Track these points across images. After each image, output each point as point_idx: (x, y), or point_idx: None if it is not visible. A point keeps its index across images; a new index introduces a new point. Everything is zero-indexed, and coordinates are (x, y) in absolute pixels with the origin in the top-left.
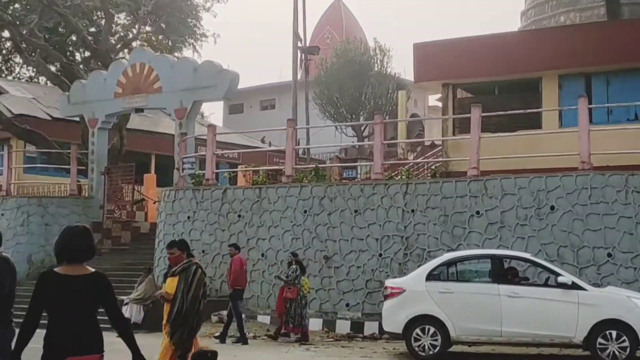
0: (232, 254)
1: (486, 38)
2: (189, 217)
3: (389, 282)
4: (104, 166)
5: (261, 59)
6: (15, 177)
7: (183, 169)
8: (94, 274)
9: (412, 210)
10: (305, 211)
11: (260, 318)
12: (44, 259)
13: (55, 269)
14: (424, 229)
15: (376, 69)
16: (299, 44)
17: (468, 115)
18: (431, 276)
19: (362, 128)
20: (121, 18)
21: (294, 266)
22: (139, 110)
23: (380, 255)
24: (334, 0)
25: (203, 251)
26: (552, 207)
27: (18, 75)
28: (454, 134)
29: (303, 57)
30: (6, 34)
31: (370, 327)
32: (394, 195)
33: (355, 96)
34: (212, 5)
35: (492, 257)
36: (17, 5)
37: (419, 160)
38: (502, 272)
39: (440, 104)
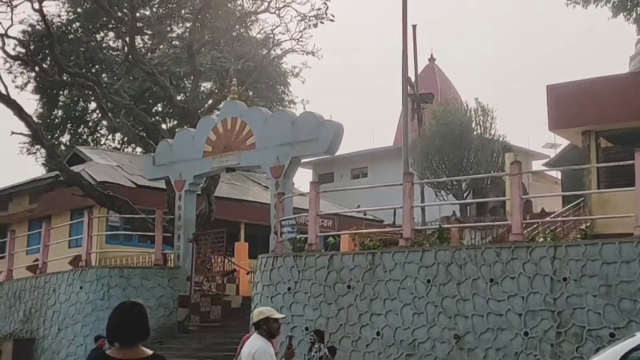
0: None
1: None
2: (289, 289)
3: None
4: (192, 233)
5: (352, 126)
6: (96, 246)
7: (282, 233)
8: (152, 358)
9: (564, 279)
10: (428, 280)
11: None
12: None
13: (107, 351)
14: (581, 302)
15: (478, 131)
16: (410, 91)
17: (628, 162)
18: None
19: (465, 195)
20: (207, 87)
21: (317, 346)
22: (230, 169)
23: (526, 334)
24: (427, 64)
25: (306, 328)
26: None
27: (104, 145)
28: (598, 189)
29: (415, 106)
30: (93, 105)
31: None
32: (539, 261)
33: (455, 161)
34: (301, 71)
35: None
36: (103, 75)
37: (567, 218)
38: None
39: (545, 169)
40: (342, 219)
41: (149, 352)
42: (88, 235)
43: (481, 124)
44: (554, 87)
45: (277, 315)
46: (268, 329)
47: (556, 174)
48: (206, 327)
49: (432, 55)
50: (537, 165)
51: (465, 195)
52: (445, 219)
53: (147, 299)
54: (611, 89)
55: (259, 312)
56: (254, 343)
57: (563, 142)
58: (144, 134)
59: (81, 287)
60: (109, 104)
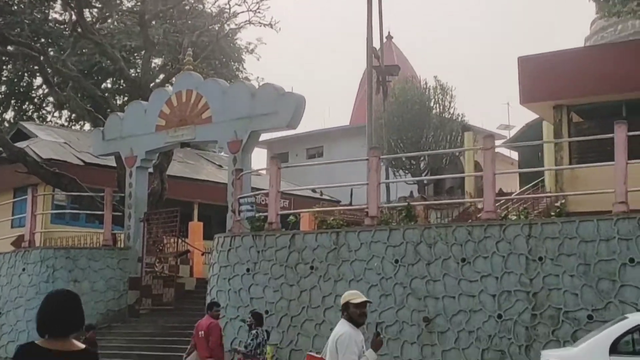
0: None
1: (614, 46)
2: (248, 270)
3: (550, 355)
4: (144, 212)
5: (307, 105)
6: (41, 226)
7: (240, 212)
8: (83, 352)
9: (540, 259)
10: (396, 261)
11: None
12: None
13: (36, 342)
14: (558, 282)
15: (437, 110)
16: (376, 63)
17: (608, 135)
18: (617, 349)
19: (423, 175)
20: (158, 63)
21: (254, 331)
22: (184, 144)
23: (500, 316)
24: (384, 42)
25: (267, 312)
26: None
27: (50, 122)
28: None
29: (381, 79)
30: (38, 80)
31: None
32: (513, 239)
33: (413, 140)
34: (256, 48)
35: None
36: (50, 49)
37: (538, 195)
38: None
39: (503, 150)
40: (298, 199)
41: (81, 345)
42: (32, 214)
43: (440, 102)
44: (525, 59)
45: (358, 300)
46: (348, 314)
47: (510, 154)
48: (158, 310)
49: (389, 32)
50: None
51: (423, 174)
52: (404, 199)
53: (95, 281)
54: (583, 62)
55: (342, 297)
56: (339, 329)
57: (517, 124)
58: (93, 110)
59: (24, 269)
60: (55, 77)
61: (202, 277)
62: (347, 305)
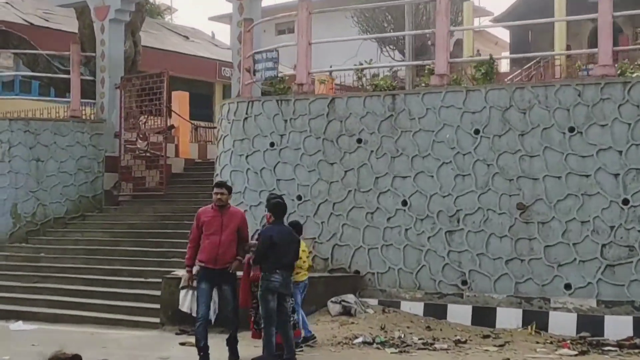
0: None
1: None
2: (272, 144)
3: None
4: (120, 77)
5: None
6: None
7: (255, 71)
8: None
9: None
10: (476, 131)
11: (405, 305)
12: (35, 210)
13: None
14: None
15: None
16: None
17: None
18: None
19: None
20: None
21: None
22: None
23: (626, 202)
24: None
25: (299, 197)
26: None
27: None
28: None
29: None
30: None
31: (617, 325)
32: None
33: (401, 11)
34: None
35: None
36: None
37: None
38: None
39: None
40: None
41: None
42: None
43: None
44: None
45: None
46: None
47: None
48: (143, 196)
49: None
50: (478, 22)
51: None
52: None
53: (63, 160)
54: None
55: None
56: None
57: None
58: None
59: None
60: None
61: (190, 157)
62: None
